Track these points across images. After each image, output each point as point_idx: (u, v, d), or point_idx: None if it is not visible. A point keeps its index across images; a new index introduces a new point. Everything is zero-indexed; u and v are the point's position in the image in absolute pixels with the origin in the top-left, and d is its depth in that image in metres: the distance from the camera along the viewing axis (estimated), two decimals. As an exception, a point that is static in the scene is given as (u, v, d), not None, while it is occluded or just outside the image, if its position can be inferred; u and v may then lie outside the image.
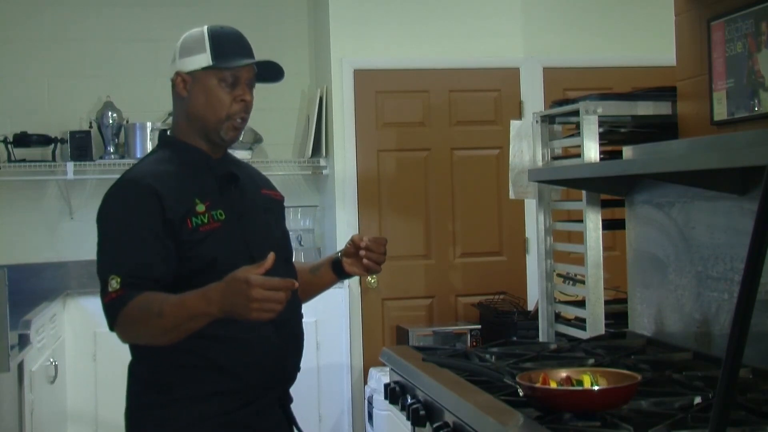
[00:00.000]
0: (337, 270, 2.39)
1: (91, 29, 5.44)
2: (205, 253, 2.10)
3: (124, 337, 2.09)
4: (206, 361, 2.10)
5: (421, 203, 5.22)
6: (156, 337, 2.03)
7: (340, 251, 2.39)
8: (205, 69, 2.17)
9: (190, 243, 2.09)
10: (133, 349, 2.20)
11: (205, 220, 2.11)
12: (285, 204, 2.43)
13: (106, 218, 2.13)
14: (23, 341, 3.59)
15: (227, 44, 2.19)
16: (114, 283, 2.02)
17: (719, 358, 1.97)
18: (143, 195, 2.09)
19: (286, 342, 2.18)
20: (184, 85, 2.21)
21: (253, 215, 2.23)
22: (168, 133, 2.30)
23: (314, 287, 2.43)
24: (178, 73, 2.21)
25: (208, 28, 2.21)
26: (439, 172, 5.24)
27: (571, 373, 1.99)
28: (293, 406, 2.30)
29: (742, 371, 2.09)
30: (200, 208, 2.12)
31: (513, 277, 5.21)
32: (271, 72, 2.26)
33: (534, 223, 3.51)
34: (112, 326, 2.06)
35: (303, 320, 2.32)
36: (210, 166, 2.22)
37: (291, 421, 2.26)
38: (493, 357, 2.50)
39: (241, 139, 5.00)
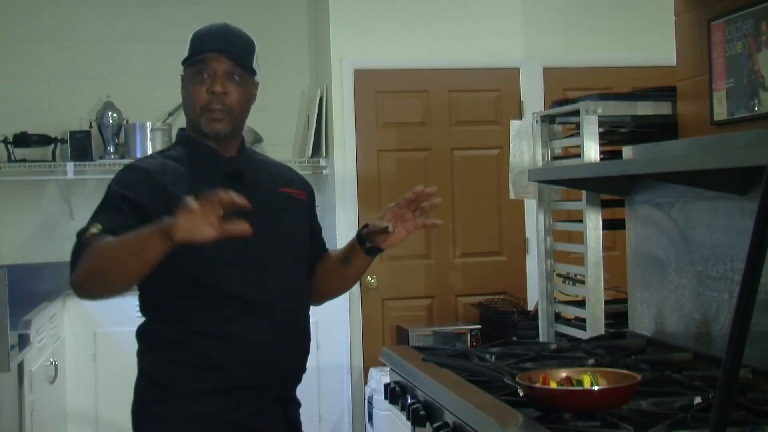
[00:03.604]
0: (371, 251, 2.30)
1: (91, 29, 5.45)
2: (200, 249, 2.04)
3: (80, 280, 2.01)
4: (204, 359, 2.11)
5: (421, 203, 5.21)
6: (110, 268, 1.96)
7: (365, 232, 2.28)
8: (184, 67, 2.22)
9: None
10: (139, 343, 2.22)
11: None
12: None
13: (103, 195, 2.17)
14: (23, 341, 3.59)
15: (201, 40, 2.21)
16: (94, 229, 2.02)
17: (719, 358, 1.97)
18: (139, 176, 2.14)
19: (285, 342, 2.17)
20: (182, 86, 2.26)
21: (259, 214, 2.18)
22: (184, 131, 2.33)
23: (350, 276, 2.37)
24: (181, 77, 2.27)
25: (196, 30, 2.25)
26: (439, 172, 5.24)
27: (571, 373, 1.98)
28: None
29: (742, 371, 2.09)
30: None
31: (513, 277, 5.21)
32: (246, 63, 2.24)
33: (534, 223, 3.51)
34: (73, 268, 2.01)
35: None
36: (217, 163, 2.22)
37: (291, 423, 2.25)
38: (493, 357, 2.50)
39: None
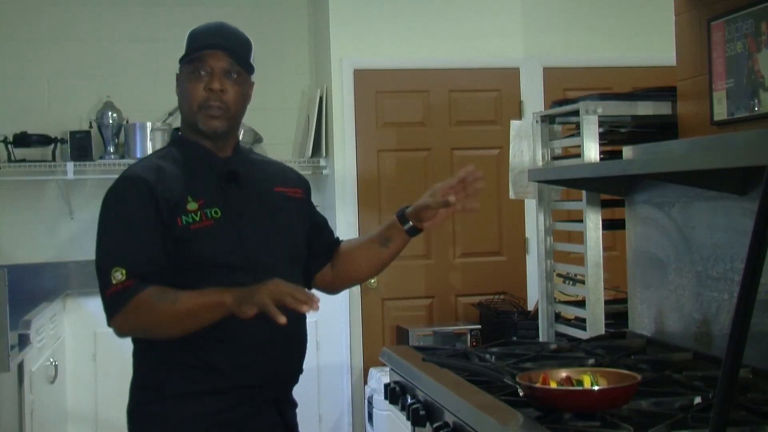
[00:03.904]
0: (413, 231, 2.34)
1: (91, 29, 5.45)
2: (197, 251, 2.10)
3: (125, 329, 2.09)
4: (198, 359, 2.11)
5: (421, 203, 5.21)
6: (165, 326, 2.05)
7: (410, 212, 2.31)
8: (181, 65, 2.21)
9: (181, 241, 2.09)
10: (135, 344, 2.21)
11: (197, 218, 2.11)
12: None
13: (104, 214, 2.15)
14: (23, 341, 3.58)
15: (199, 37, 2.20)
16: (119, 275, 2.04)
17: (719, 358, 1.97)
18: (139, 190, 2.12)
19: (280, 344, 2.16)
20: (177, 84, 2.25)
21: (254, 214, 2.20)
22: (179, 132, 2.32)
23: (386, 259, 2.41)
24: (177, 75, 2.26)
25: (193, 29, 2.24)
26: (439, 172, 5.24)
27: (571, 373, 1.98)
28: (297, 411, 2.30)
29: (742, 371, 2.09)
30: (192, 206, 2.11)
31: (513, 277, 5.21)
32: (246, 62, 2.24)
33: (534, 223, 3.51)
34: (113, 317, 2.07)
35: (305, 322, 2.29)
36: (212, 164, 2.21)
37: (287, 424, 2.24)
38: (493, 357, 2.50)
39: (241, 137, 5.03)
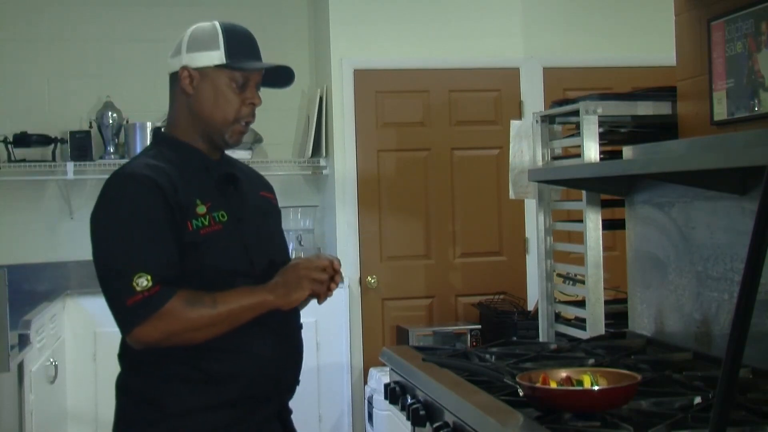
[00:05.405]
0: None
1: (91, 29, 5.45)
2: (205, 256, 2.01)
3: (152, 338, 1.93)
4: (199, 372, 2.01)
5: (421, 203, 5.22)
6: (199, 331, 1.95)
7: None
8: (218, 67, 2.08)
9: (190, 245, 2.00)
10: (124, 361, 2.09)
11: (206, 222, 2.02)
12: (285, 204, 2.38)
13: (112, 214, 2.01)
14: (23, 341, 3.58)
15: (241, 44, 2.11)
16: (144, 282, 1.90)
17: (719, 358, 1.98)
18: (149, 189, 1.98)
19: (282, 354, 2.10)
20: (190, 81, 2.09)
21: (253, 218, 2.15)
22: (163, 130, 2.19)
23: None
24: (185, 68, 2.09)
25: (220, 24, 2.11)
26: (439, 172, 5.24)
27: (571, 373, 1.99)
28: (293, 417, 2.27)
29: (742, 371, 2.09)
30: (201, 209, 2.03)
31: (513, 277, 5.21)
32: (280, 77, 2.20)
33: (534, 223, 3.52)
34: (137, 326, 1.92)
35: (303, 322, 2.25)
36: (208, 166, 2.13)
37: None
38: (493, 357, 2.50)
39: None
